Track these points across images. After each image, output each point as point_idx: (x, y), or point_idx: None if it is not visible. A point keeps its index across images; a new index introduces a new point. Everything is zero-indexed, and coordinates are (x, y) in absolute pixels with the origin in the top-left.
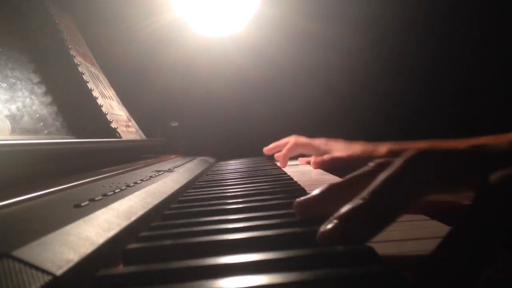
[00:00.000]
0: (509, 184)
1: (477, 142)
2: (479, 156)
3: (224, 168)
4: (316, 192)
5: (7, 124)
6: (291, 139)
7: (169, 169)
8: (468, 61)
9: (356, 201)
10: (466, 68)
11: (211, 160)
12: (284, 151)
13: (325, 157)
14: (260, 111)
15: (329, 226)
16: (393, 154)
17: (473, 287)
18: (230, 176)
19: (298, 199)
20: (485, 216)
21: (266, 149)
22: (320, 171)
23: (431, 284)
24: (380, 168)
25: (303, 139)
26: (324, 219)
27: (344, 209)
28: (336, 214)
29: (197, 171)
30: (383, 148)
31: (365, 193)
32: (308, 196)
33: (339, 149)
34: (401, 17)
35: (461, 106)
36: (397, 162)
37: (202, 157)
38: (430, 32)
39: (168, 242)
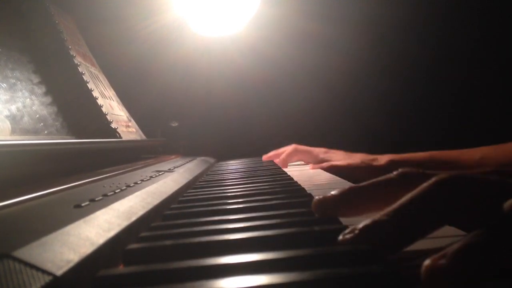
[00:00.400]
0: None
1: (479, 152)
2: (504, 185)
3: (224, 168)
4: (335, 192)
5: (7, 125)
6: (290, 146)
7: (169, 169)
8: (468, 61)
9: (380, 217)
10: (466, 68)
11: (211, 160)
12: (283, 155)
13: (324, 164)
14: (260, 111)
15: (349, 235)
16: (393, 165)
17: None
18: (230, 176)
19: (317, 197)
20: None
21: (266, 157)
22: (319, 171)
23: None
24: (403, 178)
25: (303, 147)
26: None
27: (367, 222)
28: (360, 225)
29: (197, 171)
30: (383, 158)
31: (390, 210)
32: (328, 195)
33: (338, 158)
34: (401, 17)
35: (461, 106)
36: (427, 184)
37: (202, 157)
38: (430, 32)
39: (168, 242)
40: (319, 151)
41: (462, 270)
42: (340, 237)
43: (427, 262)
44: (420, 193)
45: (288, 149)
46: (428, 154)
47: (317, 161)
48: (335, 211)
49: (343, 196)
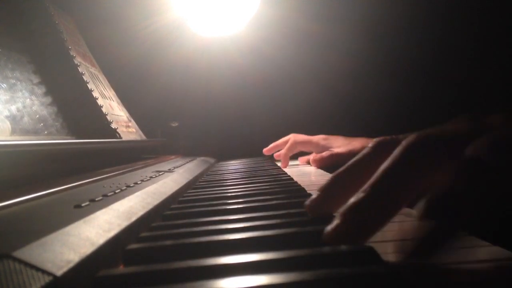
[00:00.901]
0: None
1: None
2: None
3: (224, 168)
4: (319, 189)
5: (7, 125)
6: (290, 138)
7: (169, 169)
8: (468, 61)
9: (358, 196)
10: (466, 68)
11: (211, 160)
12: (284, 150)
13: (324, 154)
14: (260, 111)
15: (332, 225)
16: None
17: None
18: (230, 176)
19: (306, 202)
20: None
21: (266, 150)
22: (320, 171)
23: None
24: (379, 149)
25: (302, 136)
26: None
27: (346, 206)
28: (339, 211)
29: (197, 171)
30: None
31: (366, 186)
32: (313, 197)
33: (339, 145)
34: (401, 17)
35: (461, 106)
36: (397, 150)
37: (202, 158)
38: (430, 32)
39: (168, 242)
40: (319, 139)
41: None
42: (326, 229)
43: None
44: (392, 162)
45: (288, 139)
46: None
47: (318, 150)
48: (327, 209)
49: (327, 192)
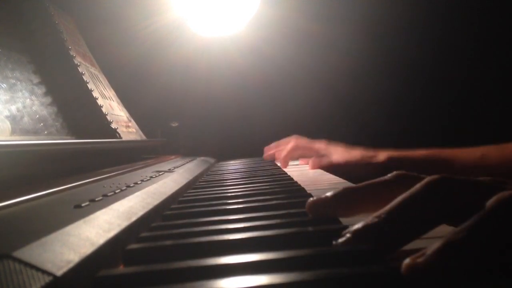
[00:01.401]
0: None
1: (479, 151)
2: (493, 188)
3: (224, 168)
4: (330, 194)
5: (7, 125)
6: (291, 140)
7: (169, 169)
8: (468, 61)
9: (371, 219)
10: (466, 68)
11: (211, 160)
12: (284, 152)
13: (323, 163)
14: (260, 111)
15: (342, 239)
16: (392, 161)
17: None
18: (230, 176)
19: (311, 199)
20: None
21: (267, 149)
22: (319, 171)
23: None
24: (399, 180)
25: (303, 141)
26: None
27: (358, 225)
28: (351, 229)
29: (197, 171)
30: (382, 155)
31: (382, 212)
32: (322, 197)
33: (338, 154)
34: (401, 17)
35: (460, 105)
36: (419, 184)
37: (202, 158)
38: (430, 32)
39: (168, 242)
40: (319, 147)
41: (441, 268)
42: (334, 243)
43: (407, 260)
44: (412, 193)
45: (289, 140)
46: (427, 152)
47: (317, 156)
48: (330, 212)
49: (337, 198)
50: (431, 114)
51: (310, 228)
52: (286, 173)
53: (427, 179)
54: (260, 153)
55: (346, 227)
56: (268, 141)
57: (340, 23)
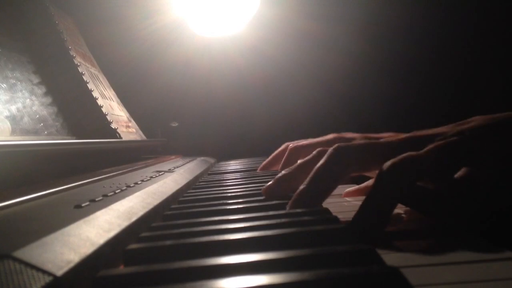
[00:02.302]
0: (391, 168)
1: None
2: (381, 148)
3: (225, 168)
4: (273, 181)
5: (7, 125)
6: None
7: (169, 169)
8: (467, 61)
9: (301, 188)
10: (465, 68)
11: (211, 160)
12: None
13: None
14: (260, 111)
15: (288, 205)
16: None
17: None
18: (230, 176)
19: (264, 187)
20: (379, 189)
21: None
22: None
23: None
24: (319, 155)
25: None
26: None
27: (294, 195)
28: (294, 195)
29: (197, 171)
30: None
31: (306, 180)
32: (270, 184)
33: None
34: (401, 17)
35: (460, 105)
36: (326, 155)
37: (202, 158)
38: (429, 32)
39: (168, 242)
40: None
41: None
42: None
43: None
44: (320, 163)
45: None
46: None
47: None
48: (276, 194)
49: (277, 184)
50: (431, 114)
51: (309, 228)
52: None
53: (330, 149)
54: (260, 153)
55: (346, 227)
56: (268, 141)
57: (340, 23)
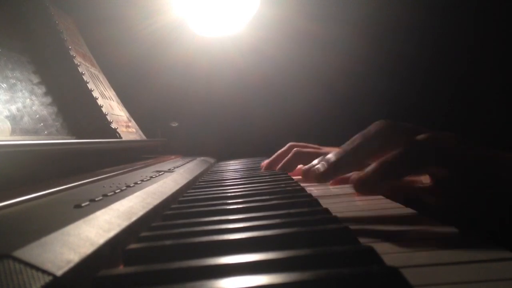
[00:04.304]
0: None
1: None
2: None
3: (224, 168)
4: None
5: (7, 125)
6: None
7: (169, 169)
8: (467, 61)
9: (339, 151)
10: (465, 68)
11: (211, 160)
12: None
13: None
14: (260, 111)
15: (319, 166)
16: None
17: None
18: (230, 176)
19: (262, 164)
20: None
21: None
22: None
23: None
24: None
25: (306, 148)
26: None
27: (333, 157)
28: (326, 158)
29: (197, 171)
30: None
31: (347, 146)
32: (267, 161)
33: None
34: (400, 16)
35: (460, 105)
36: (369, 128)
37: (202, 158)
38: (429, 32)
39: (168, 242)
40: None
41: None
42: (313, 170)
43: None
44: (364, 135)
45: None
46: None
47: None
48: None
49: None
50: (431, 114)
51: (310, 228)
52: (285, 173)
53: (374, 124)
54: (260, 153)
55: (345, 227)
56: (268, 141)
57: (340, 23)
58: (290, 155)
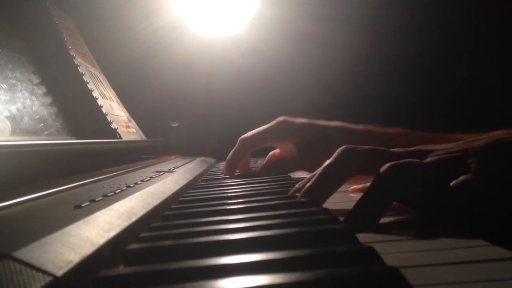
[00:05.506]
0: (388, 171)
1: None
2: (383, 154)
3: None
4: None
5: (8, 125)
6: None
7: (169, 169)
8: (467, 61)
9: (308, 185)
10: (465, 68)
11: (211, 160)
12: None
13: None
14: (260, 111)
15: (302, 192)
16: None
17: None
18: (230, 176)
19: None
20: (376, 187)
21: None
22: None
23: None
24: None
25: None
26: None
27: (302, 191)
28: (303, 189)
29: (197, 171)
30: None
31: (313, 178)
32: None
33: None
34: (401, 17)
35: (460, 105)
36: (333, 155)
37: (202, 158)
38: (429, 32)
39: (168, 242)
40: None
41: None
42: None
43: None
44: (327, 163)
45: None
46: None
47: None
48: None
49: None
50: (431, 114)
51: (309, 228)
52: (286, 173)
53: (338, 150)
54: (260, 153)
55: (346, 227)
56: None
57: (340, 23)
58: (237, 144)
